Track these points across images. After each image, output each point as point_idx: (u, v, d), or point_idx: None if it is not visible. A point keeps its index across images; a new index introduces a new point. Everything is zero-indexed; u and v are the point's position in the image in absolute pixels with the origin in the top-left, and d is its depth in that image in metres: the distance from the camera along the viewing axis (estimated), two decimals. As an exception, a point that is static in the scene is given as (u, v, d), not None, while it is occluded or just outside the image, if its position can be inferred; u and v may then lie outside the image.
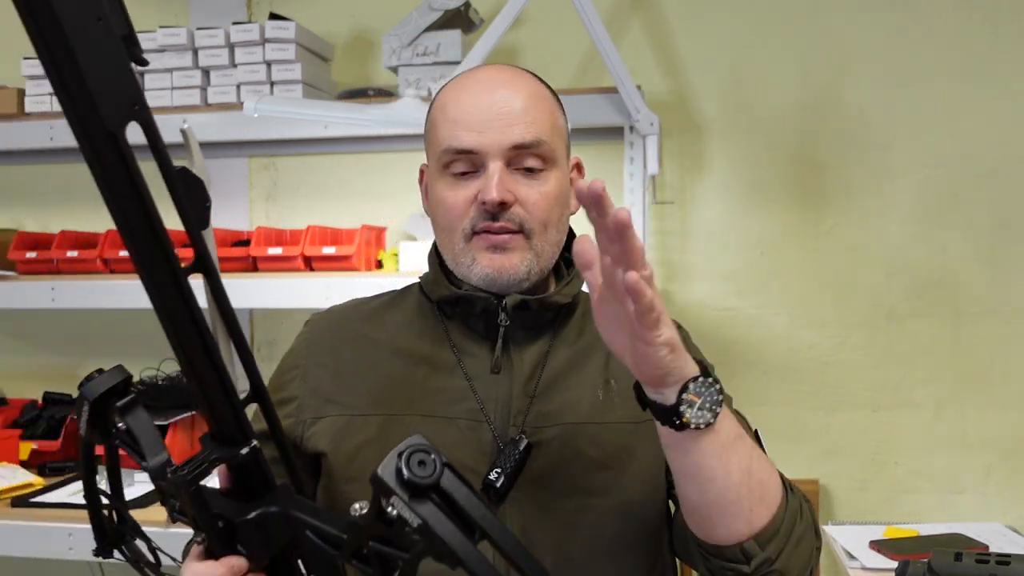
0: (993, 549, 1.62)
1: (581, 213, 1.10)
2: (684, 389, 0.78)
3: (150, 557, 0.76)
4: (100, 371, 0.67)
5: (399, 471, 0.53)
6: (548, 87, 1.09)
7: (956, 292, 2.22)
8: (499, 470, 0.95)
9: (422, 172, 1.11)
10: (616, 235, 0.70)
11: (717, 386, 0.79)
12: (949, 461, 2.25)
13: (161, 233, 0.57)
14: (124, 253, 2.17)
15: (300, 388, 1.07)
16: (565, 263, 1.12)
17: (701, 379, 0.79)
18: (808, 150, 2.25)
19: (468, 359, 1.05)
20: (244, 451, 0.62)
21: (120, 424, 0.67)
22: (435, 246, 1.11)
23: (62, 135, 2.28)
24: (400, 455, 0.53)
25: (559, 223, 1.04)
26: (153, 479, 0.64)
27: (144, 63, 0.52)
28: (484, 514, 0.54)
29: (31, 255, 2.25)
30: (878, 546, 1.70)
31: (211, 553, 0.66)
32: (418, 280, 1.14)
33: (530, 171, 1.01)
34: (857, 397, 2.27)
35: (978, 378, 2.23)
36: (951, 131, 2.20)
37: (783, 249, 2.28)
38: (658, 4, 2.32)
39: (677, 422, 0.79)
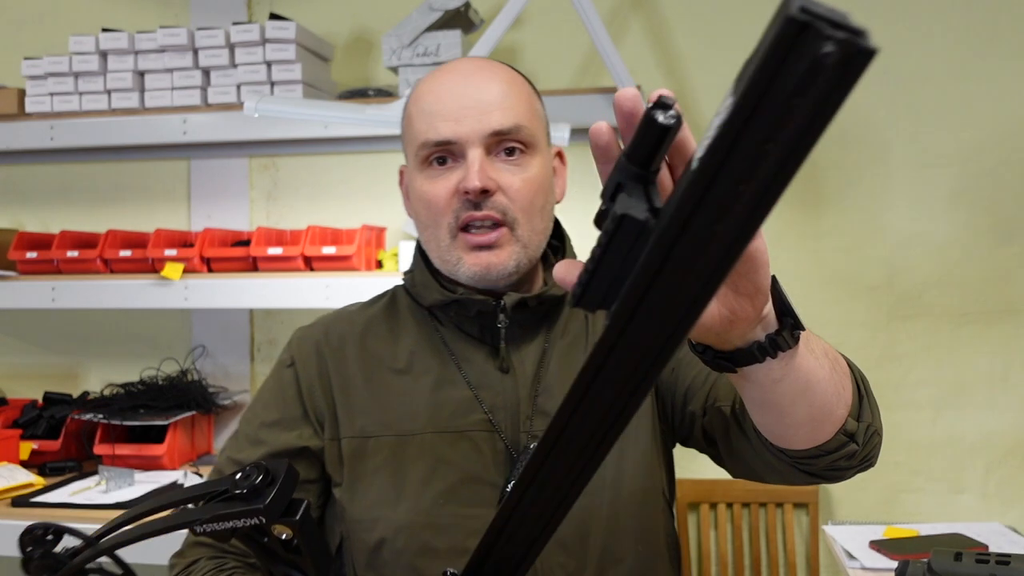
0: (993, 549, 1.62)
1: (566, 203, 1.10)
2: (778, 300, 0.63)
3: None
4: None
5: None
6: (524, 76, 1.07)
7: (956, 292, 2.22)
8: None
9: (401, 174, 1.09)
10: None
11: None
12: (949, 461, 2.25)
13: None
14: (124, 253, 2.18)
15: (306, 405, 1.05)
16: (552, 251, 1.10)
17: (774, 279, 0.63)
18: (808, 150, 2.25)
19: (467, 366, 1.03)
20: None
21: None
22: (419, 248, 1.09)
23: (62, 135, 2.28)
24: None
25: (543, 211, 1.02)
26: None
27: None
28: None
29: (31, 255, 2.25)
30: (878, 546, 1.70)
31: None
32: (401, 283, 1.11)
33: (511, 158, 0.99)
34: (857, 397, 2.27)
35: (978, 378, 2.23)
36: (951, 131, 2.20)
37: (783, 249, 2.28)
38: (658, 4, 2.32)
39: (791, 342, 0.63)
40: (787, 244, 2.28)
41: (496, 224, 0.98)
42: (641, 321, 0.43)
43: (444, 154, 0.99)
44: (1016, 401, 2.21)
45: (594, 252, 0.45)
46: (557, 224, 1.10)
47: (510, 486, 0.90)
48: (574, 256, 1.10)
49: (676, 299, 0.41)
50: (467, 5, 2.17)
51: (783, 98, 0.34)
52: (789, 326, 0.64)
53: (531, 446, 0.95)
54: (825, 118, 0.35)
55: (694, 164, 0.38)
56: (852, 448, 0.78)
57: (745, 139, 0.36)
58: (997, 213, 2.20)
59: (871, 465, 0.85)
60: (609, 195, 0.47)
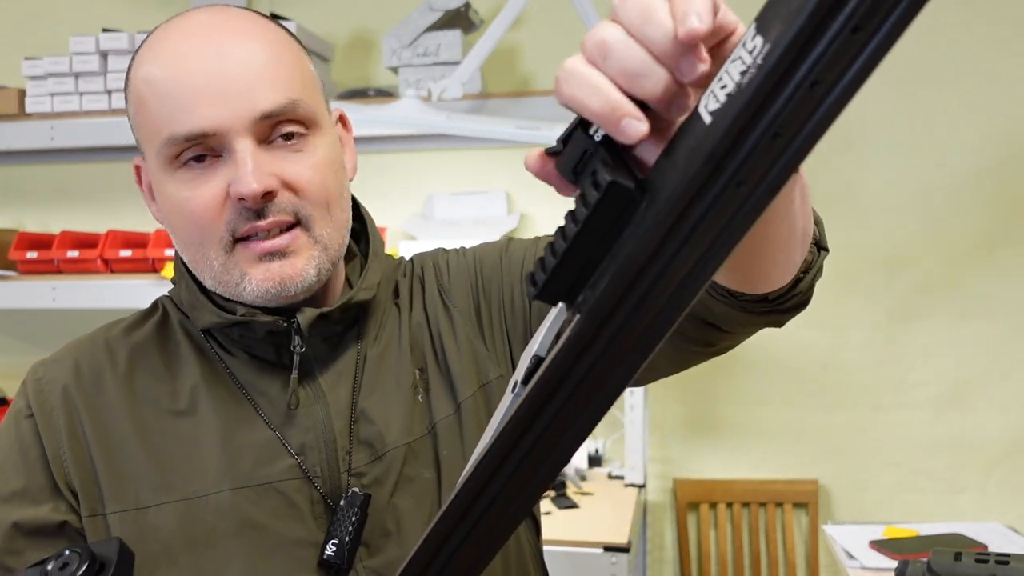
0: (993, 549, 1.62)
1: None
2: None
3: None
4: None
5: None
6: (282, 28, 0.82)
7: (956, 292, 2.22)
8: (335, 541, 0.75)
9: (138, 170, 0.83)
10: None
11: None
12: (949, 461, 2.25)
13: None
14: (124, 253, 2.18)
15: (53, 472, 0.78)
16: (354, 238, 0.88)
17: None
18: (808, 150, 2.25)
19: (263, 400, 0.80)
20: None
21: None
22: (180, 258, 0.83)
23: (62, 135, 2.28)
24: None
25: (341, 197, 0.80)
26: None
27: None
28: None
29: (32, 255, 2.25)
30: (878, 546, 1.70)
31: None
32: (167, 296, 0.87)
33: (290, 143, 0.76)
34: (857, 397, 2.27)
35: (978, 378, 2.23)
36: (951, 131, 2.20)
37: (783, 249, 2.28)
38: (658, 4, 2.32)
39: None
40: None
41: (286, 228, 0.76)
42: (625, 318, 0.36)
43: (201, 151, 0.74)
44: (1016, 401, 2.21)
45: (566, 231, 0.38)
46: (355, 204, 0.87)
47: (328, 549, 0.75)
48: (380, 244, 0.89)
49: (676, 279, 0.35)
50: (467, 5, 2.17)
51: (842, 31, 0.30)
52: None
53: (351, 491, 0.77)
54: (885, 47, 0.30)
55: (705, 117, 0.33)
56: (820, 261, 0.69)
57: (788, 82, 0.31)
58: (997, 213, 2.20)
59: (808, 302, 0.72)
60: (562, 137, 0.40)
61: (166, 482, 0.77)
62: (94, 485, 0.78)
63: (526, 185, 2.37)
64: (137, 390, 0.81)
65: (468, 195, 2.40)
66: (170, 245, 2.19)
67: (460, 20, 2.19)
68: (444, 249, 0.94)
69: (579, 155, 0.39)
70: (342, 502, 0.77)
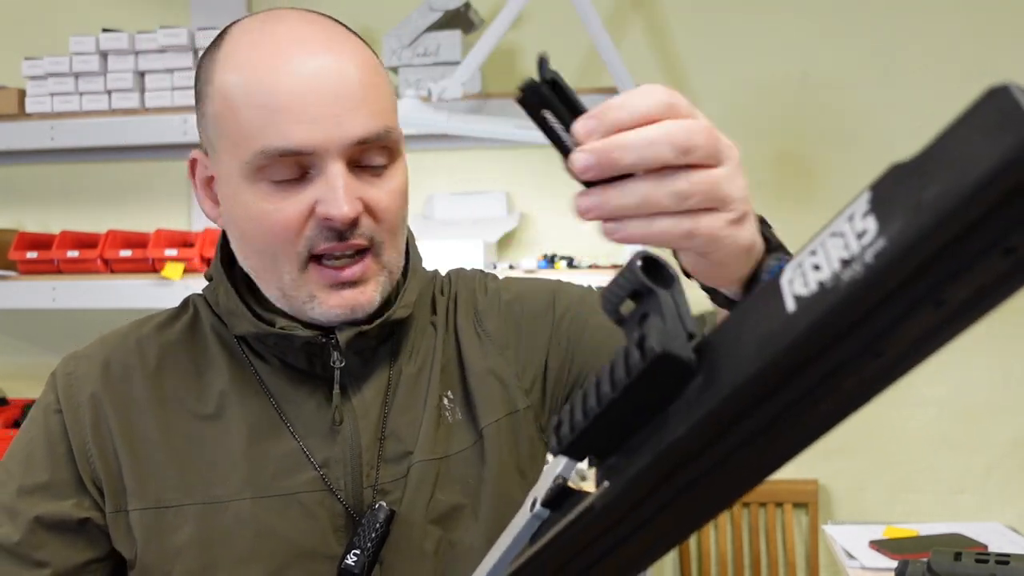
0: (993, 549, 1.62)
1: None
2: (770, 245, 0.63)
3: None
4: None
5: None
6: (365, 41, 0.81)
7: (956, 292, 2.22)
8: (357, 551, 0.75)
9: (194, 163, 0.81)
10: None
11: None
12: (949, 461, 2.25)
13: None
14: (124, 253, 2.18)
15: (79, 468, 0.80)
16: None
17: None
18: (808, 150, 2.25)
19: (292, 409, 0.81)
20: None
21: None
22: (224, 260, 0.84)
23: (63, 135, 2.28)
24: None
25: (405, 222, 0.82)
26: None
27: None
28: None
29: (32, 255, 2.25)
30: (878, 546, 1.70)
31: None
32: (200, 295, 0.87)
33: (374, 169, 0.77)
34: (857, 397, 2.27)
35: (978, 378, 2.23)
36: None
37: (783, 249, 2.28)
38: (658, 4, 2.32)
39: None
40: (787, 244, 2.28)
41: (358, 251, 0.76)
42: (663, 501, 0.32)
43: (291, 166, 0.74)
44: (1016, 401, 2.21)
45: (600, 390, 0.33)
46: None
47: (348, 558, 0.75)
48: (419, 260, 0.89)
49: (728, 475, 0.30)
50: (467, 5, 2.17)
51: (988, 243, 0.23)
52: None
53: (378, 504, 0.77)
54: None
55: (788, 302, 0.27)
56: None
57: (904, 297, 0.24)
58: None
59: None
60: (619, 301, 0.35)
61: (188, 484, 0.78)
62: (118, 481, 0.79)
63: (526, 185, 2.37)
64: (165, 390, 0.81)
65: (468, 195, 2.40)
66: (170, 245, 2.19)
67: (460, 20, 2.19)
68: (484, 272, 0.95)
69: (626, 293, 0.34)
70: (368, 514, 0.77)
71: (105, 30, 2.29)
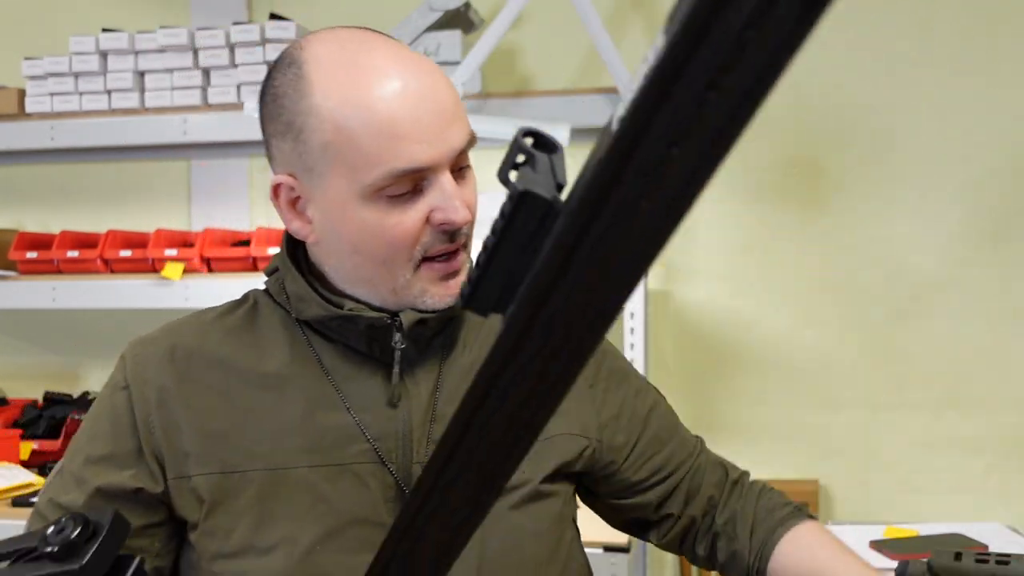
0: (993, 549, 1.62)
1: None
2: None
3: None
4: None
5: None
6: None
7: (956, 292, 2.22)
8: None
9: (277, 188, 0.87)
10: None
11: None
12: (949, 461, 2.25)
13: None
14: (124, 253, 2.18)
15: (142, 440, 0.86)
16: None
17: None
18: (808, 150, 2.25)
19: (348, 386, 0.87)
20: None
21: None
22: (289, 254, 0.91)
23: (63, 135, 2.28)
24: None
25: None
26: None
27: None
28: None
29: (32, 255, 2.25)
30: (878, 546, 1.70)
31: None
32: (259, 290, 0.95)
33: (461, 170, 0.86)
34: (857, 397, 2.27)
35: (978, 378, 2.22)
36: (951, 130, 2.20)
37: (783, 249, 2.28)
38: (658, 4, 2.32)
39: None
40: (787, 243, 2.28)
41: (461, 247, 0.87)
42: (542, 328, 0.34)
43: (408, 181, 0.82)
44: (1016, 401, 2.21)
45: (487, 241, 0.36)
46: None
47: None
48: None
49: (588, 299, 0.33)
50: (467, 5, 2.17)
51: (734, 30, 0.26)
52: None
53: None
54: (785, 57, 0.27)
55: (613, 125, 0.30)
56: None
57: (681, 87, 0.28)
58: (998, 212, 2.20)
59: None
60: (508, 168, 0.38)
61: (251, 450, 0.84)
62: (181, 453, 0.85)
63: (526, 185, 2.37)
64: (227, 363, 0.88)
65: (468, 195, 2.39)
66: (170, 245, 2.19)
67: (460, 20, 2.19)
68: None
69: (512, 161, 0.38)
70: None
71: (105, 30, 2.29)
